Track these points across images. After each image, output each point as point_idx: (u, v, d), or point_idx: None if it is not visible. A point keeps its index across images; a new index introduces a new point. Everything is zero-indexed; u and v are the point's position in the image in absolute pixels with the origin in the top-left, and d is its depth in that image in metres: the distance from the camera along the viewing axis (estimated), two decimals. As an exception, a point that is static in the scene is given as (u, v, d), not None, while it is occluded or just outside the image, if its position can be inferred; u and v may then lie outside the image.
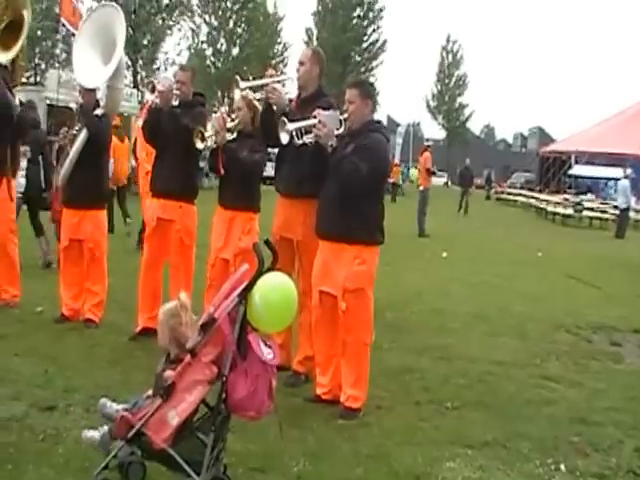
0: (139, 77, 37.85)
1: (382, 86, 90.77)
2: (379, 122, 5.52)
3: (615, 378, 6.46)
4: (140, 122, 7.23)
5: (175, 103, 6.28)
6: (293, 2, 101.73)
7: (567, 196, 31.82)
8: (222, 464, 3.74)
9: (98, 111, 6.90)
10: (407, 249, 14.64)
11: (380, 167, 5.14)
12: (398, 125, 53.85)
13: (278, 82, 5.85)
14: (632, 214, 25.85)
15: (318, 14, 53.34)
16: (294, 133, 5.14)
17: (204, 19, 45.88)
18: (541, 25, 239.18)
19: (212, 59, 45.98)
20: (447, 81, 70.23)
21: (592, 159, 37.22)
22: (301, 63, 5.74)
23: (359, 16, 52.95)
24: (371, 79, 45.05)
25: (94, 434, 3.73)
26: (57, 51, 40.42)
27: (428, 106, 70.67)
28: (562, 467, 4.43)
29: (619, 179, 26.24)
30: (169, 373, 3.58)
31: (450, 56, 70.23)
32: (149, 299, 6.44)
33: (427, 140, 24.00)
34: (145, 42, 39.59)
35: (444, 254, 14.54)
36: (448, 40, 70.50)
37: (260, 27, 46.87)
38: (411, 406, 5.36)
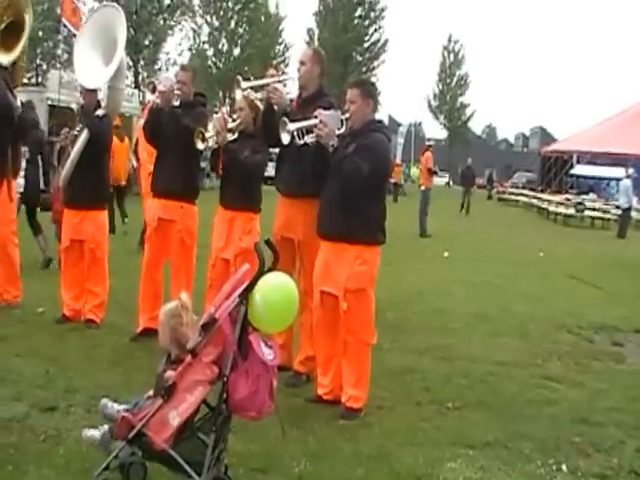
0: (140, 77, 37.85)
1: (383, 86, 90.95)
2: (380, 122, 5.51)
3: (617, 378, 6.45)
4: (141, 122, 7.23)
5: (176, 103, 6.28)
6: (294, 2, 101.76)
7: (569, 196, 31.79)
8: (223, 464, 3.74)
9: (99, 112, 6.91)
10: (408, 249, 14.63)
11: (381, 167, 5.13)
12: (399, 125, 53.79)
13: (279, 82, 5.85)
14: (634, 214, 25.82)
15: (319, 14, 53.33)
16: (295, 133, 5.13)
17: (205, 19, 45.92)
18: (542, 25, 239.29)
19: (213, 59, 46.01)
20: (449, 81, 70.18)
21: (594, 159, 37.16)
22: (302, 63, 5.74)
23: (360, 16, 52.93)
24: (372, 79, 45.00)
25: (94, 433, 3.73)
26: (58, 52, 40.51)
27: (430, 106, 70.66)
28: (564, 467, 4.42)
29: (621, 179, 26.21)
30: (170, 373, 3.58)
31: (452, 56, 70.19)
32: (150, 299, 6.44)
33: (429, 140, 24.00)
34: (146, 42, 39.61)
35: (445, 254, 14.53)
36: (450, 40, 70.52)
37: (261, 27, 46.92)
38: (412, 406, 5.35)
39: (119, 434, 3.63)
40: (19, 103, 7.38)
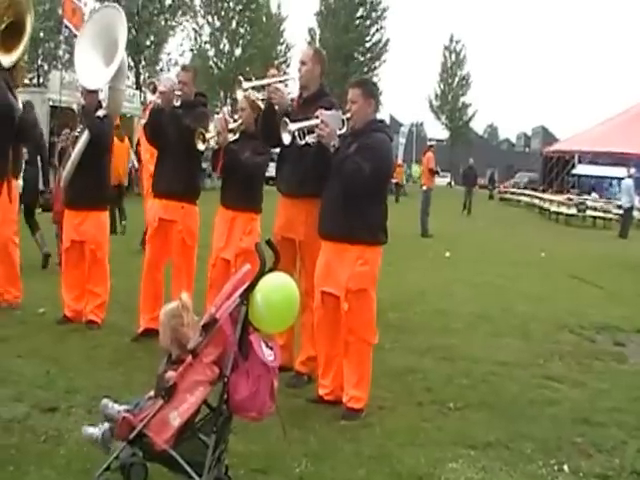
0: (142, 78, 37.89)
1: (385, 86, 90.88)
2: (382, 121, 5.50)
3: (618, 378, 6.44)
4: (143, 123, 7.23)
5: (177, 104, 6.27)
6: (296, 3, 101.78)
7: (570, 196, 31.76)
8: (224, 465, 3.74)
9: (100, 112, 6.90)
10: (410, 249, 14.62)
11: (383, 167, 5.12)
12: (401, 125, 53.66)
13: (280, 82, 5.84)
14: (636, 214, 25.78)
15: (321, 14, 53.32)
16: (296, 133, 5.12)
17: (207, 20, 45.93)
18: (544, 24, 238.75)
19: (215, 60, 46.01)
20: (450, 81, 70.21)
21: (596, 159, 37.15)
22: (302, 63, 5.73)
23: (362, 16, 52.92)
24: (374, 79, 45.01)
25: (94, 431, 3.71)
26: (60, 52, 40.51)
27: (431, 106, 70.68)
28: (565, 468, 4.41)
29: (623, 179, 26.18)
30: (170, 374, 3.58)
31: (453, 56, 70.21)
32: (151, 300, 6.44)
33: (430, 140, 24.05)
34: (148, 43, 39.65)
35: (447, 254, 14.52)
36: (451, 40, 70.54)
37: (263, 28, 46.91)
38: (414, 407, 5.35)
39: (120, 435, 3.62)
40: (20, 104, 7.37)
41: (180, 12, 41.48)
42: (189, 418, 3.54)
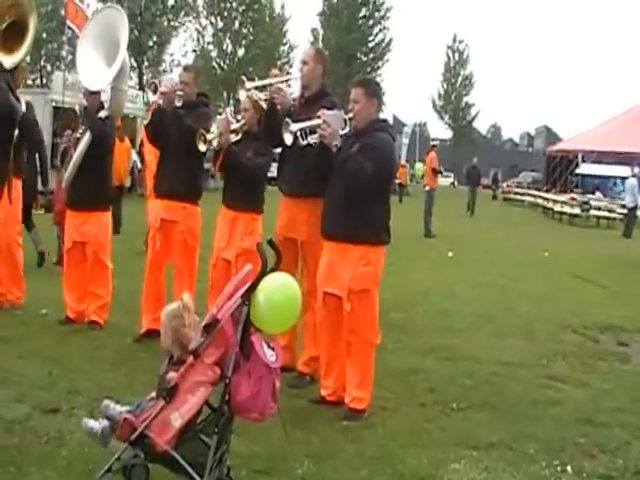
0: (145, 79, 37.95)
1: (388, 86, 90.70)
2: (385, 121, 5.47)
3: (622, 378, 6.42)
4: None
5: (179, 104, 6.26)
6: (299, 3, 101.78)
7: (574, 195, 31.71)
8: (225, 466, 3.72)
9: (102, 113, 6.90)
10: (413, 249, 14.61)
11: (386, 167, 5.11)
12: (404, 125, 53.70)
13: (283, 82, 5.83)
14: (640, 213, 25.73)
15: (324, 14, 53.30)
16: (298, 134, 5.11)
17: (210, 20, 45.95)
18: (547, 24, 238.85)
19: (217, 60, 46.02)
20: (453, 80, 70.14)
21: (599, 158, 37.10)
22: (304, 62, 5.72)
23: (365, 16, 52.89)
24: (377, 79, 44.98)
25: (94, 425, 3.69)
26: (63, 53, 40.65)
27: (434, 106, 70.64)
28: (568, 468, 4.40)
29: (627, 178, 26.13)
30: (172, 375, 3.57)
31: (456, 55, 70.14)
32: (153, 300, 6.42)
33: (433, 140, 23.96)
34: (150, 44, 39.72)
35: (450, 254, 14.50)
36: (454, 39, 70.48)
37: (266, 28, 46.90)
38: (416, 407, 5.33)
39: (121, 436, 3.61)
40: (24, 105, 7.36)
41: (183, 13, 41.58)
42: (190, 419, 3.53)
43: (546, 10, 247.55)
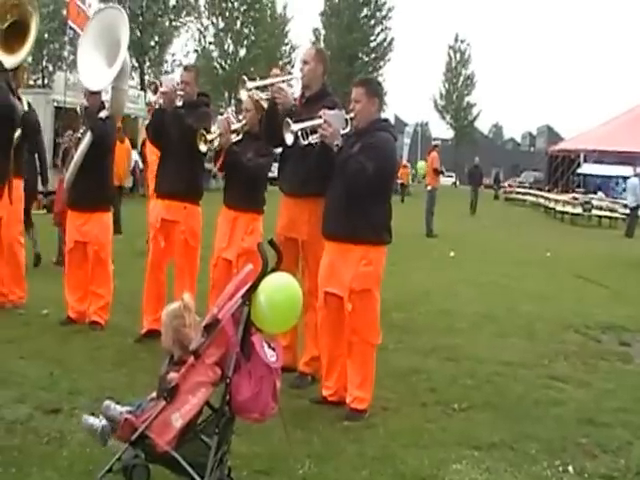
0: (147, 79, 37.97)
1: (390, 86, 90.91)
2: (386, 120, 5.47)
3: (624, 378, 6.41)
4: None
5: (179, 104, 6.26)
6: (301, 3, 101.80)
7: (576, 195, 31.67)
8: (226, 467, 3.72)
9: (102, 113, 6.90)
10: (415, 249, 14.60)
11: (387, 166, 5.10)
12: (406, 125, 53.69)
13: (284, 82, 5.82)
14: (642, 213, 25.65)
15: (325, 14, 53.29)
16: (299, 134, 5.10)
17: (211, 20, 45.97)
18: (549, 24, 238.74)
19: (219, 60, 46.04)
20: (455, 80, 70.07)
21: (601, 158, 37.09)
22: (305, 62, 5.72)
23: (366, 16, 52.88)
24: (379, 79, 44.96)
25: (95, 422, 3.69)
26: (65, 53, 40.61)
27: (436, 105, 70.59)
28: (570, 469, 4.39)
29: (629, 177, 26.07)
30: (172, 375, 3.56)
31: (458, 55, 70.09)
32: (154, 301, 6.42)
33: (435, 140, 23.93)
34: (152, 44, 39.73)
35: (452, 254, 14.49)
36: (456, 39, 70.43)
37: (267, 28, 46.90)
38: (417, 407, 5.32)
39: (122, 436, 3.61)
40: (26, 105, 7.36)
41: (184, 12, 41.59)
42: (191, 419, 3.53)
43: (548, 10, 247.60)
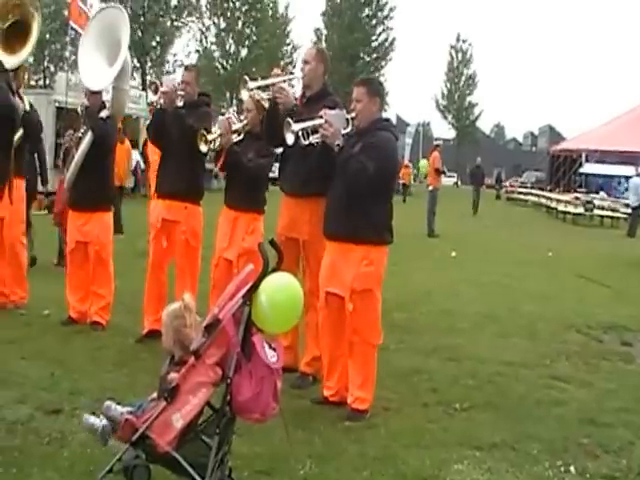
0: (148, 79, 38.00)
1: (391, 86, 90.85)
2: (387, 120, 5.47)
3: (626, 378, 6.39)
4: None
5: (180, 103, 6.26)
6: (303, 3, 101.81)
7: (578, 195, 31.64)
8: (227, 467, 3.71)
9: (103, 113, 6.89)
10: (416, 249, 14.59)
11: (388, 166, 5.09)
12: (407, 125, 53.62)
13: (285, 81, 5.82)
14: (644, 212, 25.61)
15: (327, 14, 53.29)
16: (300, 134, 5.10)
17: (213, 21, 45.98)
18: (550, 24, 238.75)
19: (220, 60, 46.05)
20: (457, 80, 70.08)
21: (603, 157, 37.05)
22: (305, 62, 5.72)
23: (367, 15, 52.88)
24: (380, 79, 44.94)
25: (95, 421, 3.68)
26: (66, 54, 40.63)
27: (438, 105, 70.57)
28: (572, 469, 4.38)
29: (631, 177, 26.04)
30: (173, 375, 3.56)
31: (460, 55, 70.07)
32: (155, 301, 6.41)
33: (436, 139, 23.92)
34: (154, 44, 39.76)
35: (453, 254, 14.48)
36: (458, 39, 70.42)
37: (269, 28, 46.91)
38: (419, 408, 5.31)
39: (122, 437, 3.60)
40: (28, 105, 7.35)
41: (186, 13, 41.61)
42: (192, 420, 3.52)
43: (549, 9, 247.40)
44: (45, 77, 45.61)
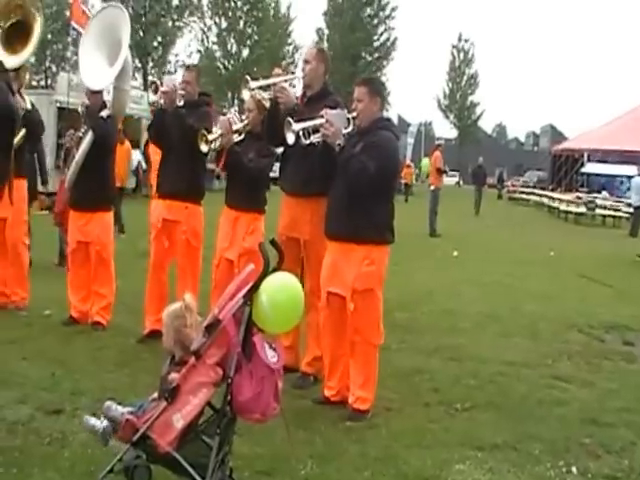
0: (149, 79, 38.02)
1: (393, 85, 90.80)
2: (388, 119, 5.47)
3: (628, 378, 6.39)
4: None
5: (180, 103, 6.25)
6: (304, 3, 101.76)
7: (580, 194, 31.62)
8: (228, 467, 3.70)
9: (104, 113, 6.89)
10: (418, 249, 14.58)
11: (389, 165, 5.08)
12: (409, 125, 53.56)
13: (286, 81, 5.81)
14: (646, 212, 25.57)
15: (328, 14, 53.29)
16: (301, 133, 5.09)
17: (214, 20, 45.99)
18: (552, 23, 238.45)
19: (222, 60, 46.07)
20: (458, 80, 70.05)
21: (605, 157, 37.02)
22: (306, 62, 5.71)
23: (369, 15, 52.88)
24: (382, 78, 44.90)
25: (96, 423, 3.68)
26: (67, 54, 40.69)
27: (439, 105, 70.56)
28: (573, 469, 4.37)
29: (633, 176, 26.00)
30: (174, 376, 3.55)
31: (461, 54, 70.06)
32: (156, 301, 6.41)
33: (438, 139, 23.91)
34: (155, 44, 39.78)
35: (455, 253, 14.47)
36: (459, 39, 70.40)
37: (270, 28, 46.91)
38: (420, 408, 5.31)
39: (123, 437, 3.60)
40: (29, 104, 7.35)
41: (187, 13, 41.62)
42: (192, 420, 3.52)
43: (551, 9, 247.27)
44: (47, 77, 45.62)
